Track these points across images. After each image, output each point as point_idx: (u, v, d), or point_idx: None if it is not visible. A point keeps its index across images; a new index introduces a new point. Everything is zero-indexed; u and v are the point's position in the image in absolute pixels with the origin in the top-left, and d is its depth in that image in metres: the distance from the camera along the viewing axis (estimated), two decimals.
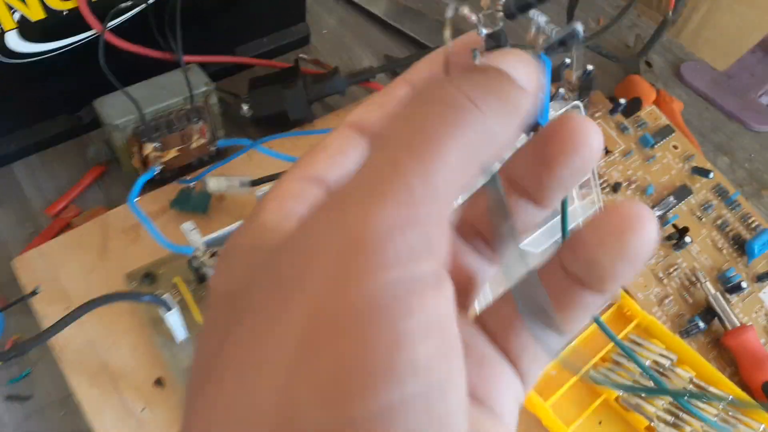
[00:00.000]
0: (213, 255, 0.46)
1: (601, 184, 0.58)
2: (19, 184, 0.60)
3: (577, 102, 0.46)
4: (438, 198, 0.13)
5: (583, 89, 0.62)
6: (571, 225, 0.50)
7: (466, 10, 0.15)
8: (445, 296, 0.13)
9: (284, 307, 0.13)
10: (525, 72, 0.15)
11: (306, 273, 0.13)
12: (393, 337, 0.11)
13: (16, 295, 0.50)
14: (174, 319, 0.45)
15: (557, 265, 0.17)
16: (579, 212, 0.50)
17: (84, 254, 0.53)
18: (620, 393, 0.48)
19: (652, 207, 0.58)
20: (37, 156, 0.62)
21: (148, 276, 0.51)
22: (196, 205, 0.56)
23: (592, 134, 0.16)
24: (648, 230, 0.16)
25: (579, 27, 0.16)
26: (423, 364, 0.12)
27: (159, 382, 0.47)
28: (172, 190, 0.57)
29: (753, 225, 0.59)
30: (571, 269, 0.17)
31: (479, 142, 0.14)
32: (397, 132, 0.14)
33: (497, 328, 0.18)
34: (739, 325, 0.52)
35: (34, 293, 0.46)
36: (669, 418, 0.47)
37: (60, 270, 0.52)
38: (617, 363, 0.50)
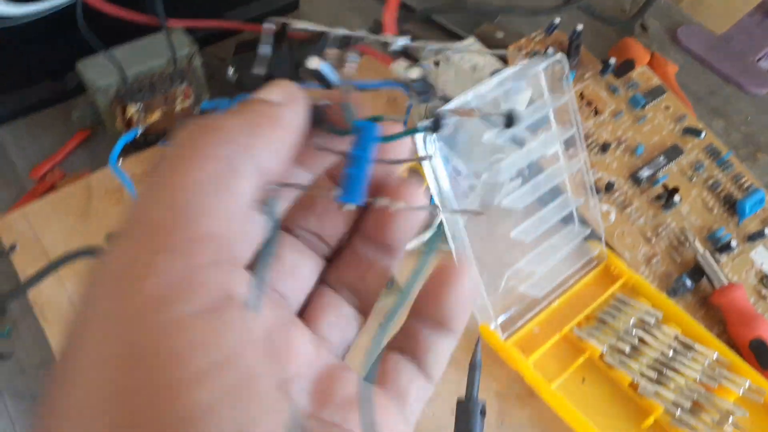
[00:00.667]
0: None
1: (589, 145, 0.57)
2: (3, 148, 0.60)
3: (559, 55, 0.45)
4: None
5: (572, 50, 0.61)
6: (556, 181, 0.49)
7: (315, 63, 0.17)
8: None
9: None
10: (277, 92, 0.17)
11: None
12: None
13: None
14: None
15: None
16: (564, 169, 0.49)
17: (66, 215, 0.53)
18: (604, 350, 0.47)
19: (642, 167, 0.57)
20: (23, 121, 0.61)
21: None
22: None
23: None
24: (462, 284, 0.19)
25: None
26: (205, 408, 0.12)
27: None
28: (156, 153, 0.57)
29: (745, 185, 0.58)
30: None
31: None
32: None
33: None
34: (727, 284, 0.51)
35: (12, 248, 0.46)
36: (652, 374, 0.46)
37: (42, 231, 0.52)
38: (602, 321, 0.49)
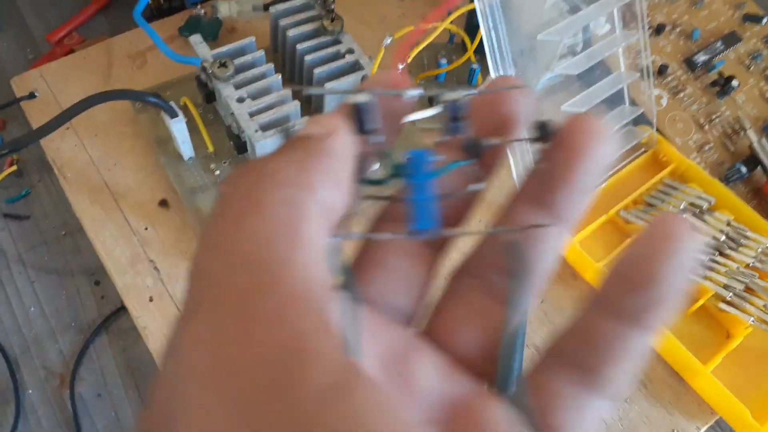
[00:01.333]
0: (222, 65, 0.43)
1: (645, 23, 0.54)
2: (19, 11, 0.56)
3: None
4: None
5: None
6: (611, 50, 0.46)
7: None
8: None
9: None
10: (318, 125, 0.15)
11: None
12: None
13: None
14: (180, 129, 0.42)
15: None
16: (620, 40, 0.46)
17: (87, 77, 0.50)
18: None
19: (697, 52, 0.53)
20: None
21: (155, 97, 0.48)
22: (206, 31, 0.52)
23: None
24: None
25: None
26: None
27: (164, 203, 0.45)
28: (180, 18, 0.54)
29: None
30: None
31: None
32: None
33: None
34: None
35: (32, 95, 0.43)
36: (703, 258, 0.44)
37: (61, 91, 0.49)
38: (650, 205, 0.47)
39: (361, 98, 0.16)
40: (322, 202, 0.14)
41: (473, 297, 0.17)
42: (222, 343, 0.12)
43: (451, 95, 0.16)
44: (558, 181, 0.16)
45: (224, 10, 0.51)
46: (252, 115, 0.42)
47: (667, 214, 0.14)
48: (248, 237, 0.13)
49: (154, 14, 0.54)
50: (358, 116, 0.16)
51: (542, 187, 0.16)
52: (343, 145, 0.15)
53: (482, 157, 0.17)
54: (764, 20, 0.55)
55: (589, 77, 0.48)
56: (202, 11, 0.53)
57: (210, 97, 0.46)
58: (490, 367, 0.16)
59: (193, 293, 0.13)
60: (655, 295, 0.14)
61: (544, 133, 0.16)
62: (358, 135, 0.16)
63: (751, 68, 0.54)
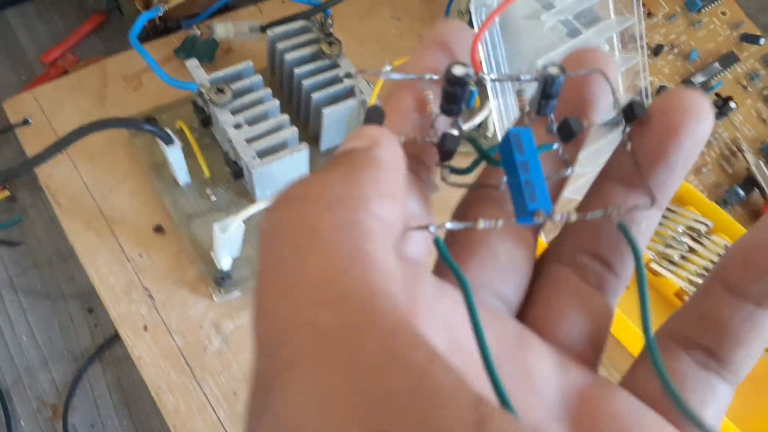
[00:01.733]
0: (219, 91, 0.42)
1: (644, 45, 0.54)
2: (12, 31, 0.56)
3: None
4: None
5: None
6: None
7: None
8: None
9: None
10: (359, 139, 0.14)
11: None
12: None
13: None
14: (176, 155, 0.42)
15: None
16: (619, 64, 0.45)
17: (81, 99, 0.50)
18: (651, 256, 0.45)
19: (695, 73, 0.53)
20: (33, 4, 0.57)
21: (150, 121, 0.48)
22: (202, 53, 0.52)
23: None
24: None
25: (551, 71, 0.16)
26: None
27: (159, 229, 0.45)
28: (176, 39, 0.53)
29: None
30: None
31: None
32: None
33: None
34: None
35: (26, 122, 0.43)
36: (700, 282, 0.43)
37: (54, 114, 0.49)
38: None
39: (459, 71, 0.15)
40: (380, 217, 0.13)
41: (571, 284, 0.16)
42: (341, 397, 0.10)
43: (546, 70, 0.15)
44: (654, 162, 0.15)
45: (220, 31, 0.51)
46: (249, 141, 0.42)
47: None
48: (319, 273, 0.11)
49: (149, 34, 0.54)
50: (450, 95, 0.15)
51: (634, 168, 0.15)
52: (390, 155, 0.14)
53: (573, 139, 0.16)
54: (762, 41, 0.55)
55: None
56: (198, 32, 0.52)
57: (206, 121, 0.45)
58: (596, 356, 0.16)
59: (276, 353, 0.11)
60: None
61: (634, 113, 0.15)
62: (445, 115, 0.15)
63: (749, 89, 0.54)
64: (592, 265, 0.16)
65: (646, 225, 0.16)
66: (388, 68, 0.44)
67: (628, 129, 0.16)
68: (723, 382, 0.15)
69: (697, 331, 0.15)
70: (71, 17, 0.56)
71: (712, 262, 0.45)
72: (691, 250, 0.45)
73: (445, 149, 0.15)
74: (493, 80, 0.17)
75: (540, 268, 0.17)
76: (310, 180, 0.13)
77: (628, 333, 0.42)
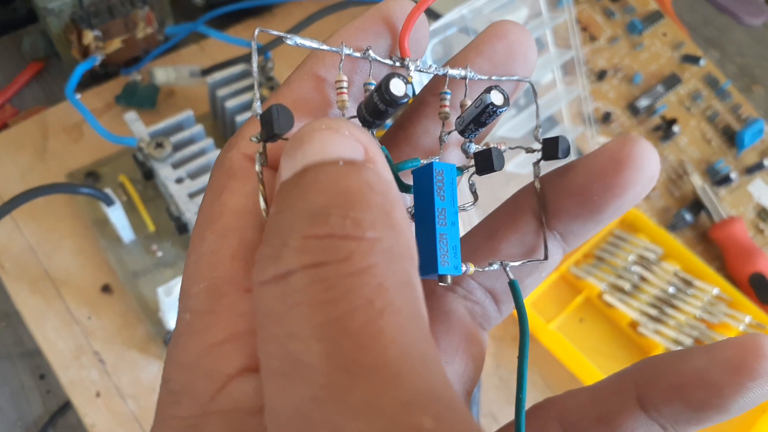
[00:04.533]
0: (159, 146, 0.42)
1: (585, 72, 0.54)
2: None
3: None
4: None
5: None
6: (553, 108, 0.46)
7: None
8: None
9: None
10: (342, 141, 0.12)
11: None
12: None
13: None
14: (117, 216, 0.41)
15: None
16: (562, 96, 0.46)
17: (21, 155, 0.49)
18: (603, 288, 0.45)
19: (640, 96, 0.54)
20: None
21: (91, 175, 0.47)
22: (144, 99, 0.51)
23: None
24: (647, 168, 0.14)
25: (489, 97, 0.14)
26: None
27: (106, 288, 0.44)
28: (117, 85, 0.52)
29: (743, 116, 0.55)
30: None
31: None
32: None
33: None
34: (726, 217, 0.49)
35: None
36: (653, 312, 0.44)
37: None
38: (600, 259, 0.47)
39: (398, 89, 0.13)
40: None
41: (464, 323, 0.16)
42: None
43: (488, 96, 0.14)
44: (583, 207, 0.14)
45: (161, 77, 0.50)
46: (192, 195, 0.41)
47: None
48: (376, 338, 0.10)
49: (89, 80, 0.53)
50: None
51: (551, 209, 0.15)
52: (387, 177, 0.12)
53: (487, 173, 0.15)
54: (702, 61, 0.56)
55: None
56: (139, 77, 0.51)
57: (149, 174, 0.45)
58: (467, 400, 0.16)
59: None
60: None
61: (556, 152, 0.15)
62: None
63: (692, 110, 0.54)
64: (484, 301, 0.16)
65: (545, 269, 0.16)
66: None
67: (539, 163, 0.15)
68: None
69: (589, 428, 0.15)
70: (9, 66, 0.55)
71: (663, 290, 0.45)
72: (643, 278, 0.46)
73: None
74: (417, 70, 0.15)
75: (437, 291, 0.16)
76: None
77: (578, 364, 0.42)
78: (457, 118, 0.15)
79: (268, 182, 0.13)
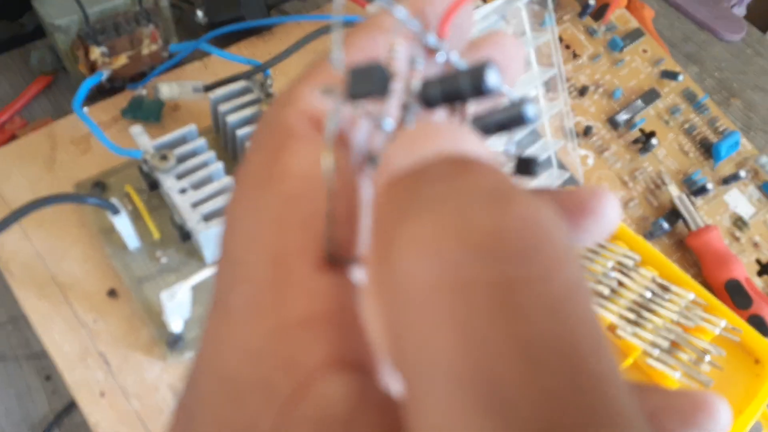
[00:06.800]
0: (163, 158, 0.44)
1: (567, 89, 0.57)
2: None
3: None
4: None
5: None
6: (535, 124, 0.49)
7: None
8: None
9: None
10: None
11: None
12: None
13: None
14: (123, 224, 0.43)
15: None
16: (544, 112, 0.48)
17: (29, 166, 0.51)
18: None
19: (619, 111, 0.56)
20: None
21: (98, 185, 0.49)
22: (149, 113, 0.53)
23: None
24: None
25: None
26: None
27: (112, 293, 0.46)
28: (123, 99, 0.55)
29: (720, 129, 0.58)
30: None
31: None
32: None
33: None
34: (703, 226, 0.52)
35: None
36: (631, 316, 0.46)
37: (3, 183, 0.50)
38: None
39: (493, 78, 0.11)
40: None
41: None
42: None
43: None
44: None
45: (165, 92, 0.53)
46: (195, 205, 0.44)
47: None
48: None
49: (96, 94, 0.55)
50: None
51: None
52: None
53: None
54: (680, 77, 0.59)
55: (516, 145, 0.50)
56: (144, 92, 0.54)
57: (154, 185, 0.47)
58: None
59: None
60: None
61: (528, 171, 0.14)
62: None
63: (670, 123, 0.57)
64: None
65: None
66: None
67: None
68: None
69: None
70: (18, 79, 0.57)
71: (640, 295, 0.48)
72: (621, 284, 0.48)
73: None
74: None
75: None
76: None
77: None
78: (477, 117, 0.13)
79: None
